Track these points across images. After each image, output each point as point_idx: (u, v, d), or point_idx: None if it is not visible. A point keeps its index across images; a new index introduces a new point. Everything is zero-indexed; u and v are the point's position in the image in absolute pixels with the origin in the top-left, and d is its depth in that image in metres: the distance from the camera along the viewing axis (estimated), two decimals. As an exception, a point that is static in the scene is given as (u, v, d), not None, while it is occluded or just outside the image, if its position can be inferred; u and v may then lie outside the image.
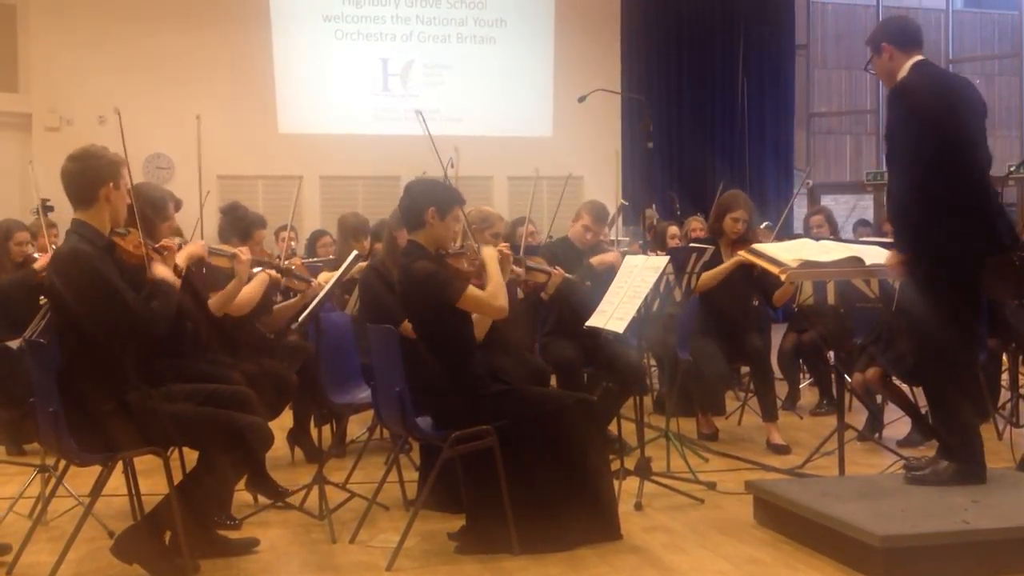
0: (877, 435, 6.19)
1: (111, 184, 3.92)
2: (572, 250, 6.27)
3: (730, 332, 6.33)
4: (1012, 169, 10.79)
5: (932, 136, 4.30)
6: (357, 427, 6.53)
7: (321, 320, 5.02)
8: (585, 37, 14.78)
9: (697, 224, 8.48)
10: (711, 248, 5.97)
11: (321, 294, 4.94)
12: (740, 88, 15.90)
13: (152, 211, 4.61)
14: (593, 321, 5.11)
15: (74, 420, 3.78)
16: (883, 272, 4.73)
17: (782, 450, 6.04)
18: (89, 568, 4.10)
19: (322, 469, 4.81)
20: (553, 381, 5.92)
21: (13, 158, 12.86)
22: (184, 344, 4.88)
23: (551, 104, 14.77)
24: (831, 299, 5.52)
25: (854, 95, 17.07)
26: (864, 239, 7.29)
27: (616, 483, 4.60)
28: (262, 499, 4.92)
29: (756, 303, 6.72)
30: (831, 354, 6.60)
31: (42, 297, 4.36)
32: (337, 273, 5.11)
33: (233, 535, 4.38)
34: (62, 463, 4.56)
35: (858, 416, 6.56)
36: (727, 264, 6.21)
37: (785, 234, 8.39)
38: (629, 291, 5.01)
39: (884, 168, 8.20)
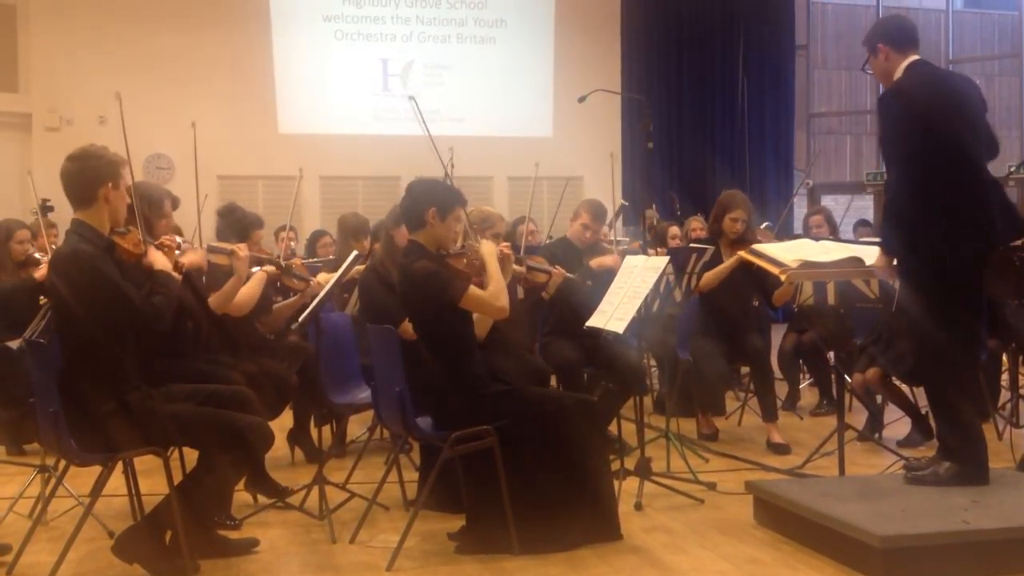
0: (877, 435, 6.19)
1: (110, 184, 3.92)
2: (571, 250, 6.27)
3: (730, 332, 6.33)
4: (1012, 169, 10.80)
5: (924, 135, 4.29)
6: (357, 427, 6.53)
7: (321, 320, 5.02)
8: (585, 37, 14.78)
9: (697, 224, 8.49)
10: (711, 248, 5.97)
11: (321, 294, 4.95)
12: (740, 88, 15.89)
13: (149, 209, 4.63)
14: (593, 321, 5.11)
15: (74, 420, 3.78)
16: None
17: (782, 449, 6.04)
18: (89, 568, 4.11)
19: (322, 469, 4.81)
20: (553, 381, 5.92)
21: (13, 158, 12.87)
22: (184, 344, 4.89)
23: (551, 104, 14.77)
24: (831, 299, 5.53)
25: (854, 95, 17.06)
26: (864, 239, 7.29)
27: (616, 483, 4.60)
28: (262, 499, 4.92)
29: (756, 303, 6.72)
30: (831, 354, 6.60)
31: (42, 297, 4.36)
32: (337, 273, 5.11)
33: (233, 535, 4.38)
34: (62, 463, 4.56)
35: (858, 416, 6.56)
36: (728, 263, 6.22)
37: (785, 234, 8.40)
38: (629, 291, 5.01)
39: (884, 169, 8.18)
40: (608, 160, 8.01)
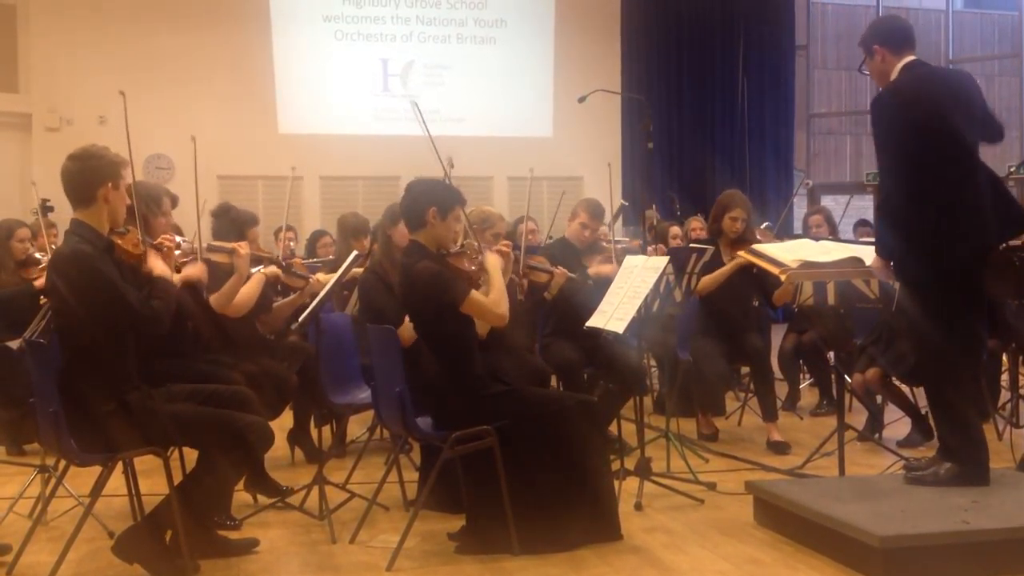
0: (877, 435, 6.19)
1: (110, 184, 3.92)
2: (571, 250, 6.27)
3: (730, 332, 6.34)
4: (1012, 169, 10.81)
5: (919, 135, 4.29)
6: (357, 427, 6.53)
7: (321, 320, 5.02)
8: (585, 37, 14.78)
9: (697, 224, 8.50)
10: (711, 248, 5.97)
11: (321, 294, 4.94)
12: (740, 88, 15.89)
13: (147, 207, 4.63)
14: (593, 321, 5.11)
15: (74, 420, 3.78)
16: (881, 273, 4.74)
17: (782, 447, 6.04)
18: (89, 568, 4.11)
19: (322, 469, 4.81)
20: (553, 382, 5.92)
21: (13, 158, 12.87)
22: (184, 344, 4.89)
23: (551, 104, 14.77)
24: (831, 299, 5.52)
25: (854, 95, 17.05)
26: (864, 239, 7.29)
27: (616, 483, 4.60)
28: (262, 499, 4.92)
29: (756, 303, 6.72)
30: (831, 354, 6.60)
31: (42, 297, 4.36)
32: (337, 273, 5.11)
33: (233, 535, 4.38)
34: (62, 463, 4.56)
35: (858, 416, 6.56)
36: (727, 267, 6.22)
37: (785, 234, 8.39)
38: (629, 291, 5.01)
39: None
40: (608, 160, 8.01)
